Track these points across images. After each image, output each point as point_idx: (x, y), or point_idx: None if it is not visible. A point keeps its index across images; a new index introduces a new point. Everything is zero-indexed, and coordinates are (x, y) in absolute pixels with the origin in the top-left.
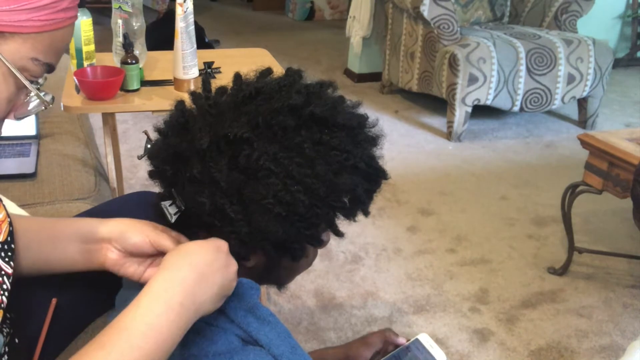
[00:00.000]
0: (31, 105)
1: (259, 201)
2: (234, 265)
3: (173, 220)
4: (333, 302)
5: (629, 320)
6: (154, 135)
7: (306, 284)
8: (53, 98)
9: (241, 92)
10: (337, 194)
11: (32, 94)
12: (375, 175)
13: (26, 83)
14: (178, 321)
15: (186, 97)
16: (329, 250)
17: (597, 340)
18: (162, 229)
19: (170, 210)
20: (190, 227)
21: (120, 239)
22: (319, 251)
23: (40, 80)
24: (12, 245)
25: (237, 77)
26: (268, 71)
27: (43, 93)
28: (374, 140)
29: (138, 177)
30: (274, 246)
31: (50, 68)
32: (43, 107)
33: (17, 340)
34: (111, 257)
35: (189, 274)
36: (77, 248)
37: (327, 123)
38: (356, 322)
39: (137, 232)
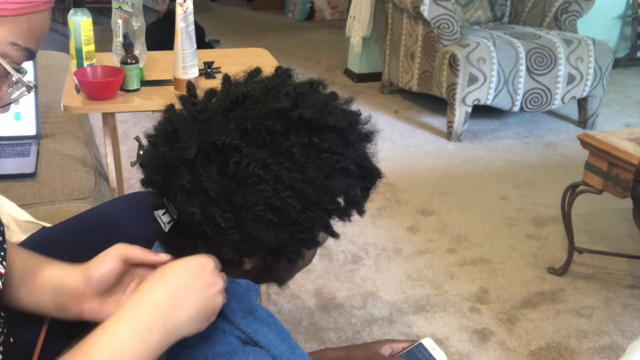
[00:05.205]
0: (14, 95)
1: (249, 208)
2: (218, 285)
3: (167, 229)
4: (333, 302)
5: (629, 320)
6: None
7: (306, 284)
8: (36, 86)
9: (229, 97)
10: (330, 197)
11: (14, 78)
12: (368, 175)
13: (8, 67)
14: (144, 346)
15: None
16: (329, 250)
17: (597, 340)
18: (127, 246)
19: (164, 219)
20: (185, 236)
21: (86, 284)
22: (319, 251)
23: (22, 67)
24: (5, 245)
25: (226, 79)
26: (257, 71)
27: (27, 81)
28: (367, 137)
29: (138, 177)
30: (268, 251)
31: (30, 54)
32: (27, 93)
33: (12, 340)
34: (87, 307)
35: (160, 297)
36: (51, 299)
37: (317, 125)
38: (356, 322)
39: (101, 261)
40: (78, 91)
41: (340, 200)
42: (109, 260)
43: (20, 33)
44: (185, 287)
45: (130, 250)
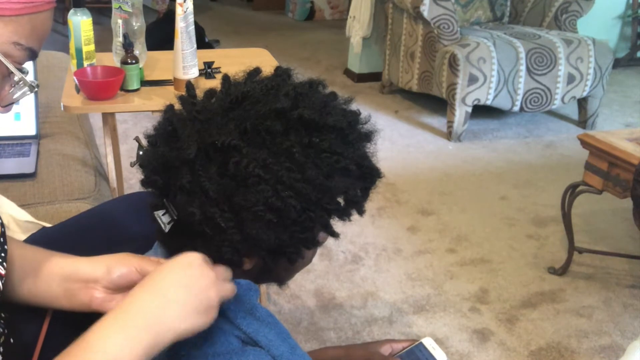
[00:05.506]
0: (17, 94)
1: (249, 208)
2: (208, 276)
3: (167, 230)
4: (333, 302)
5: (629, 320)
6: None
7: (306, 284)
8: (38, 85)
9: (229, 97)
10: (330, 197)
11: (17, 78)
12: (368, 175)
13: (10, 67)
14: (135, 349)
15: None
16: (329, 250)
17: (597, 340)
18: (146, 257)
19: (164, 219)
20: (185, 236)
21: (106, 274)
22: (319, 251)
23: (24, 67)
24: (6, 247)
25: (226, 79)
26: (256, 71)
27: (30, 81)
28: (366, 137)
29: (138, 177)
30: (268, 252)
31: (32, 53)
32: (29, 93)
33: (12, 340)
34: (97, 297)
35: (148, 298)
36: (60, 286)
37: (316, 125)
38: (356, 322)
39: (122, 263)
40: (78, 91)
41: (340, 200)
42: (129, 267)
43: (23, 33)
44: (172, 285)
45: (149, 266)
